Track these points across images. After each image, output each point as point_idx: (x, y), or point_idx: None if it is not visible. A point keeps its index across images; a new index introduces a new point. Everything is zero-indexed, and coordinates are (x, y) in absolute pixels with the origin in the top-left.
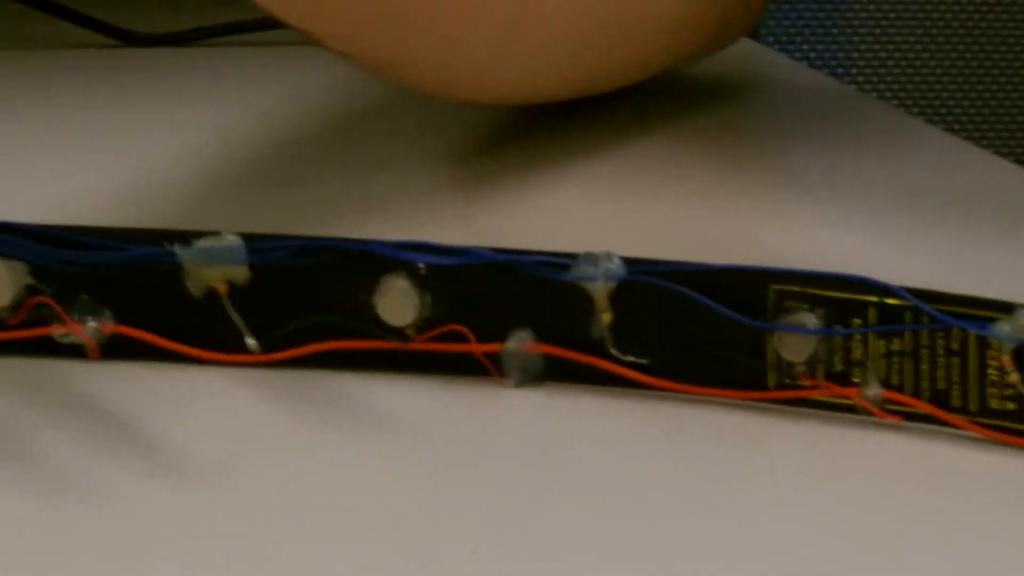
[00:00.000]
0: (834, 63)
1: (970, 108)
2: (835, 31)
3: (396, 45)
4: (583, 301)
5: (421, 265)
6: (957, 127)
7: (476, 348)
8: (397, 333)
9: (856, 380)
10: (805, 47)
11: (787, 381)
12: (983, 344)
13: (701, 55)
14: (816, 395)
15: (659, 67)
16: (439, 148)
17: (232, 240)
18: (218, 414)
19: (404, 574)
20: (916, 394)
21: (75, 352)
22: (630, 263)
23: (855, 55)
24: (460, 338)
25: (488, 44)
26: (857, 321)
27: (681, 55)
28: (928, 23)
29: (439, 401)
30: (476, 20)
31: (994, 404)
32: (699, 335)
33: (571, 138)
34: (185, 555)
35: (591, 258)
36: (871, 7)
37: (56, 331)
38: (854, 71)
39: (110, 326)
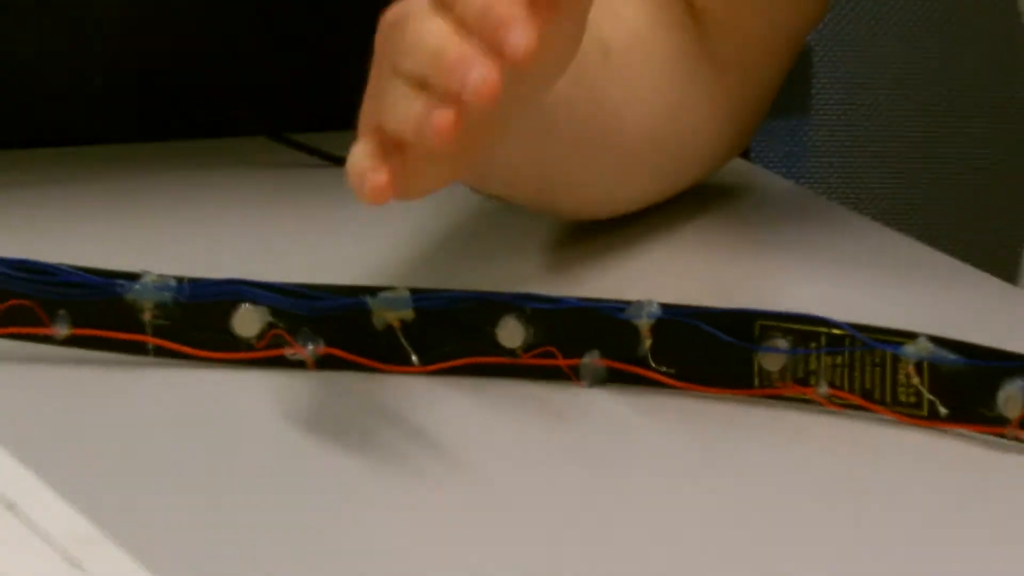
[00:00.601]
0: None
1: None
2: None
3: (552, 204)
4: (632, 331)
5: (527, 308)
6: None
7: (562, 362)
8: (510, 352)
9: (812, 383)
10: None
11: (766, 383)
12: (896, 359)
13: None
14: (785, 392)
15: (694, 183)
16: (531, 244)
17: (403, 292)
18: (404, 408)
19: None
20: (851, 391)
21: (299, 366)
22: (664, 307)
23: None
24: (551, 356)
25: (604, 192)
26: (813, 344)
27: (706, 175)
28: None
29: (538, 398)
30: (600, 186)
31: (902, 398)
32: (708, 353)
33: (612, 235)
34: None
35: (639, 304)
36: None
37: (287, 352)
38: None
39: (322, 348)
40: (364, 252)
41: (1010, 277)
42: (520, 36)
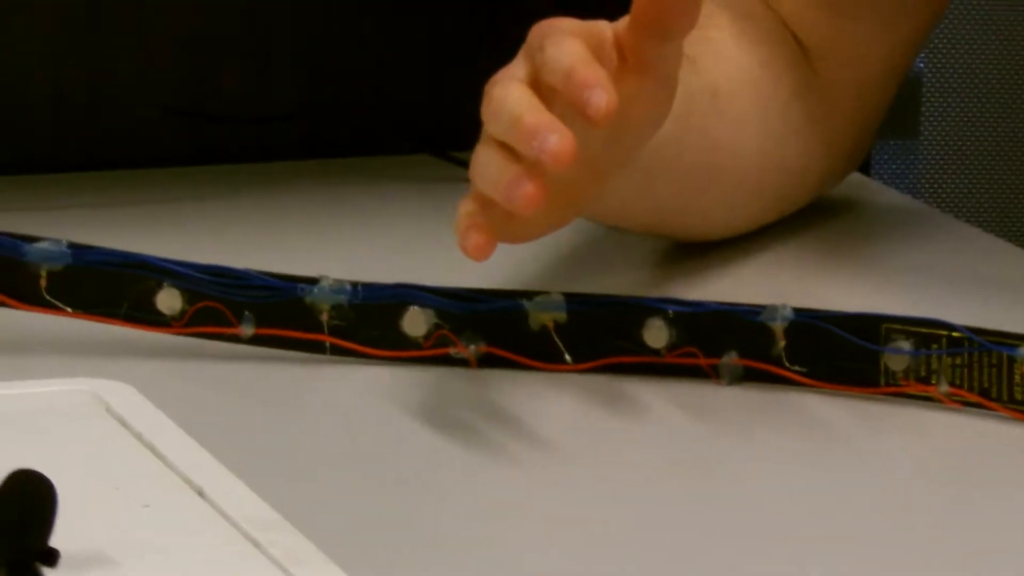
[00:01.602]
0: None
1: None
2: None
3: (664, 231)
4: (767, 333)
5: (670, 311)
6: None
7: (703, 361)
8: (655, 352)
9: (933, 381)
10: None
11: (891, 382)
12: (1011, 360)
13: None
14: (909, 390)
15: (805, 205)
16: (650, 255)
17: (557, 296)
18: (559, 403)
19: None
20: (970, 390)
21: (462, 364)
22: (796, 311)
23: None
24: (692, 355)
25: (714, 219)
26: (934, 345)
27: (815, 197)
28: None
29: (683, 393)
30: (711, 215)
31: (1018, 396)
32: (838, 354)
33: (733, 246)
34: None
35: (773, 308)
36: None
37: (451, 351)
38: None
39: (483, 348)
40: (517, 260)
41: None
42: (602, 98)
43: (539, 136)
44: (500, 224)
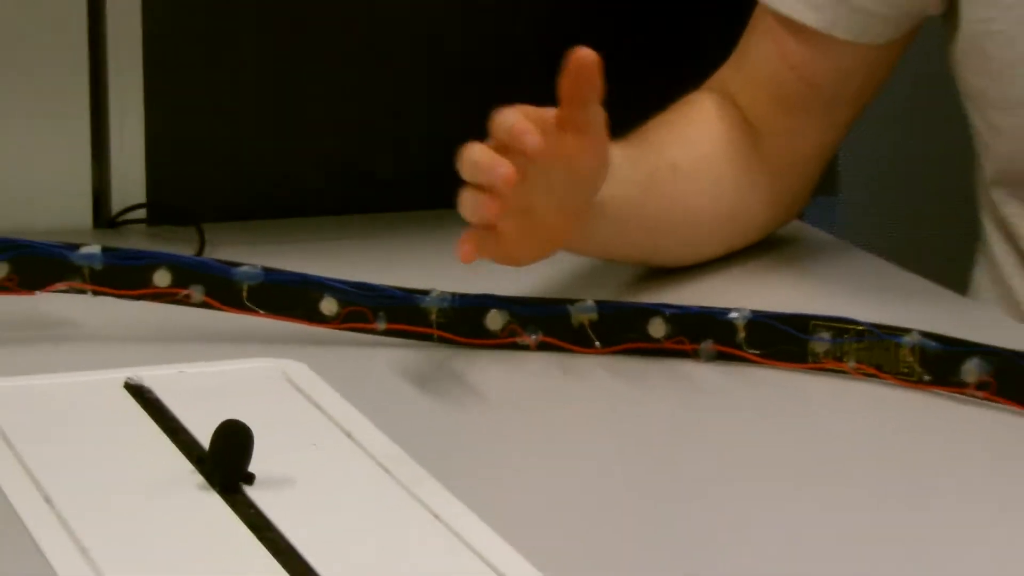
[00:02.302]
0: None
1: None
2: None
3: (643, 263)
4: (732, 327)
5: (667, 312)
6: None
7: (688, 347)
8: (656, 340)
9: (845, 360)
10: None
11: (816, 360)
12: (897, 345)
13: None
14: (828, 366)
15: (750, 243)
16: (641, 277)
17: (590, 302)
18: (591, 371)
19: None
20: (870, 366)
21: (524, 348)
22: (753, 312)
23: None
24: (682, 343)
25: (682, 255)
26: (846, 335)
27: (763, 237)
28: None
29: (675, 368)
30: (678, 252)
31: (902, 369)
32: (780, 341)
33: (691, 270)
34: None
35: (737, 310)
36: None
37: (518, 339)
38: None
39: (540, 337)
40: (561, 280)
41: (962, 290)
42: (533, 139)
43: (492, 170)
44: (492, 246)
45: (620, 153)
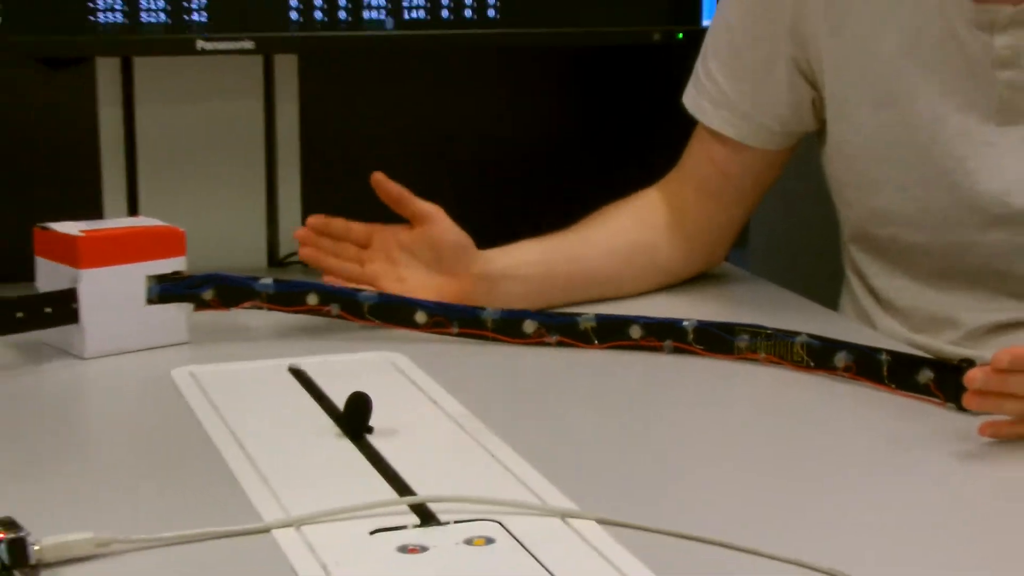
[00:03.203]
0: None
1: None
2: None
3: (587, 300)
4: (685, 331)
5: (641, 321)
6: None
7: (656, 343)
8: (635, 340)
9: (759, 352)
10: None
11: (740, 352)
12: (791, 343)
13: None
14: (747, 357)
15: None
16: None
17: (591, 315)
18: (592, 356)
19: None
20: (773, 355)
21: (549, 345)
22: (699, 321)
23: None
24: (653, 341)
25: (606, 297)
26: (759, 335)
27: (679, 280)
28: None
29: (646, 358)
30: (600, 296)
31: (795, 359)
32: (716, 340)
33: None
34: None
35: (689, 320)
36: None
37: (546, 339)
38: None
39: (559, 338)
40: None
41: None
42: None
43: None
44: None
45: (535, 243)
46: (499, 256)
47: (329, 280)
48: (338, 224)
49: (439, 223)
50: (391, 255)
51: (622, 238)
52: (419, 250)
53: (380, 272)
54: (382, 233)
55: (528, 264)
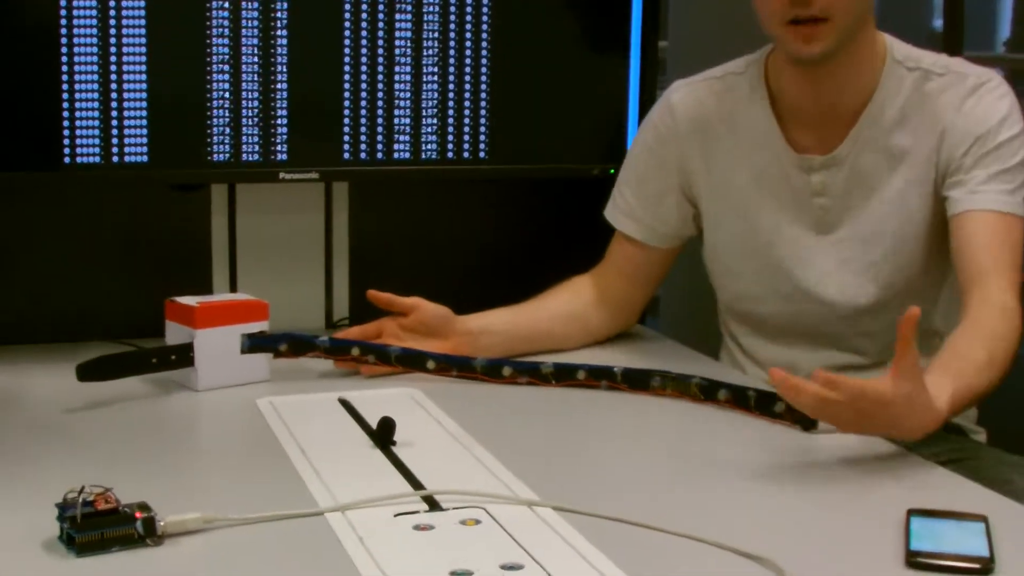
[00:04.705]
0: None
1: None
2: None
3: (540, 351)
4: (615, 374)
5: (587, 368)
6: None
7: (594, 383)
8: (577, 379)
9: (667, 389)
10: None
11: (653, 389)
12: (688, 384)
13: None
14: (659, 393)
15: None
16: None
17: (550, 364)
18: (551, 393)
19: None
20: (678, 392)
21: (524, 383)
22: (625, 368)
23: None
24: (595, 380)
25: (557, 349)
26: (667, 378)
27: (604, 338)
28: None
29: (590, 393)
30: (552, 349)
31: (692, 392)
32: (639, 380)
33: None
34: None
35: (618, 367)
36: None
37: (519, 380)
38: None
39: (528, 379)
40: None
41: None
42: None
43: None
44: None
45: (504, 309)
46: (476, 318)
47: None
48: (354, 333)
49: (423, 307)
50: (397, 336)
51: (564, 308)
52: (415, 328)
53: None
54: (388, 324)
55: (498, 323)
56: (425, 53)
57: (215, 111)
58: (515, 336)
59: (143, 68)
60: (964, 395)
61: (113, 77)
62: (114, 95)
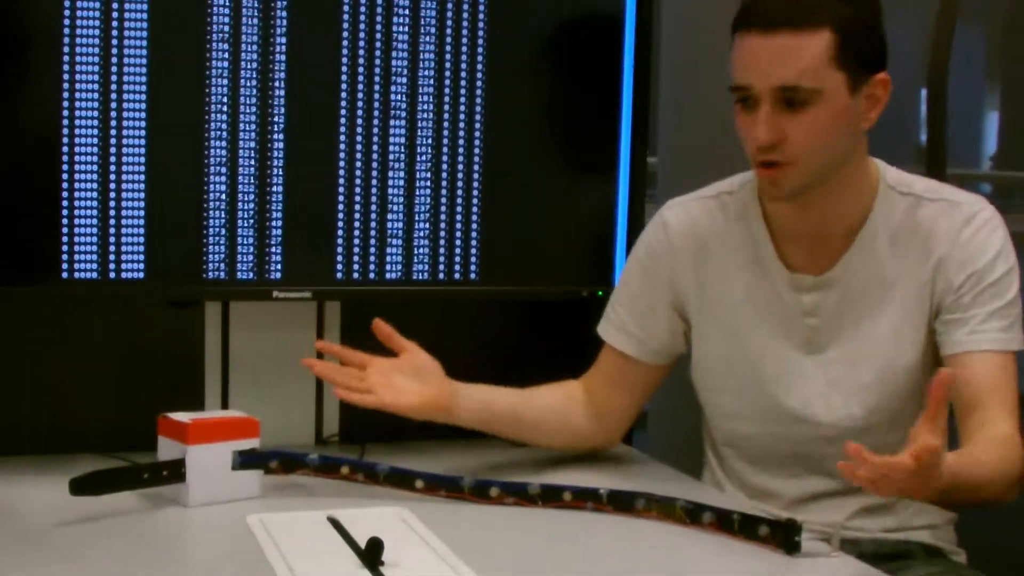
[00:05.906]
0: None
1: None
2: None
3: (520, 440)
4: (600, 496)
5: (571, 490)
6: None
7: (580, 503)
8: (564, 500)
9: (653, 511)
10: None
11: (636, 510)
12: (673, 507)
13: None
14: (643, 514)
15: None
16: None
17: (537, 485)
18: (539, 514)
19: None
20: (664, 515)
21: (511, 504)
22: (609, 491)
23: None
24: (581, 500)
25: (538, 445)
26: (652, 500)
27: (589, 448)
28: None
29: (568, 514)
30: (533, 443)
31: (677, 515)
32: (624, 502)
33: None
34: None
35: (604, 489)
36: None
37: (505, 500)
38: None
39: (516, 500)
40: (526, 471)
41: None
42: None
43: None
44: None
45: (495, 388)
46: (464, 384)
47: (337, 393)
48: (344, 352)
49: (417, 352)
50: (385, 372)
51: (548, 400)
52: (405, 369)
53: (377, 382)
54: (380, 361)
55: (479, 393)
56: (418, 176)
57: (211, 229)
58: (494, 410)
59: (141, 186)
60: (962, 476)
61: (112, 195)
62: (112, 211)
